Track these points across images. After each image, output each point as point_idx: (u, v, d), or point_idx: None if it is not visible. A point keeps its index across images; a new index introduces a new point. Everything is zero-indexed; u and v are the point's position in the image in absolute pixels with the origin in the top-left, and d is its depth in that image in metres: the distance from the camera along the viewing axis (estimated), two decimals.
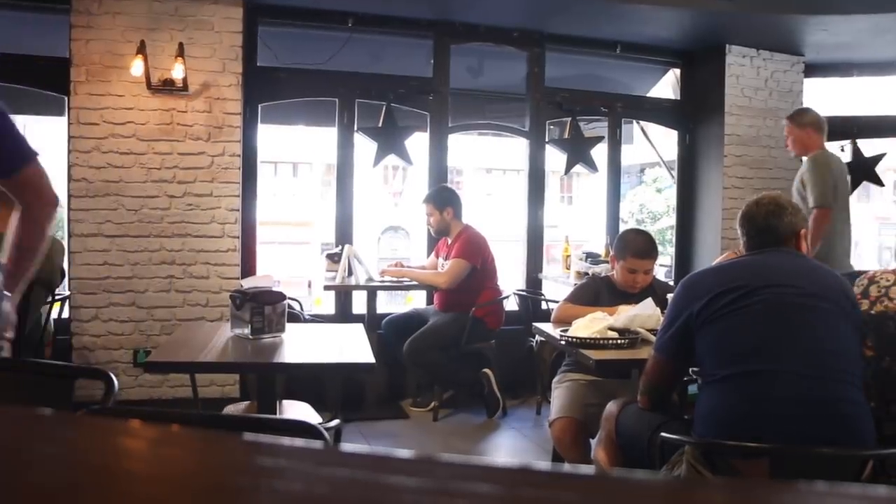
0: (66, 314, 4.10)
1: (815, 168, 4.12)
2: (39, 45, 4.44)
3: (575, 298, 3.13)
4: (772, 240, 2.15)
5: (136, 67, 4.07)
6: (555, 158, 5.41)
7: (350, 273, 4.39)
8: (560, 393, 2.95)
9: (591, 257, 4.95)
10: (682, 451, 1.96)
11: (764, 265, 2.09)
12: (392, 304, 7.95)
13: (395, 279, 4.62)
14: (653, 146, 6.29)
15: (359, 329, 2.87)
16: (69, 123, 4.16)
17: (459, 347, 4.34)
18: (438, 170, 5.08)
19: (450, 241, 4.58)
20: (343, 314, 4.87)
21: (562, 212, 17.98)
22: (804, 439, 1.83)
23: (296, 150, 19.59)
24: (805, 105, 5.52)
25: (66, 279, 4.10)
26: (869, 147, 5.74)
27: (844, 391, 1.91)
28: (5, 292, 1.99)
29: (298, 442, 0.49)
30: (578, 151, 5.31)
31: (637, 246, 3.06)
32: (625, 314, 2.71)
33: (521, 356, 4.63)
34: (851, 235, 4.33)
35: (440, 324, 4.41)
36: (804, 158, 4.25)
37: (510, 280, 5.18)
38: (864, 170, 5.68)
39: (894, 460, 1.94)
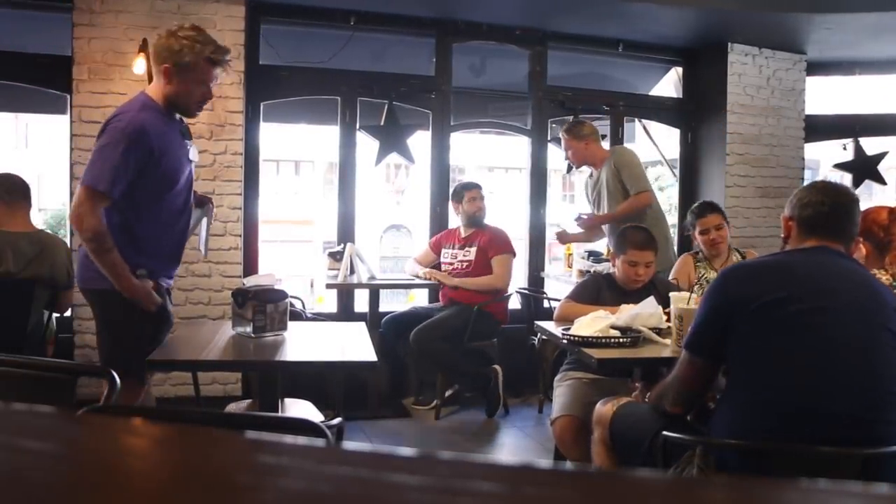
0: (68, 312, 4.10)
1: (625, 158, 4.30)
2: (42, 43, 4.44)
3: (577, 296, 3.13)
4: (840, 233, 1.92)
5: (139, 66, 4.07)
6: (557, 157, 5.40)
7: (352, 271, 4.39)
8: (562, 391, 2.95)
9: (593, 256, 4.94)
10: (689, 453, 1.91)
11: (830, 272, 1.86)
12: (393, 303, 7.94)
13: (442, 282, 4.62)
14: (655, 144, 6.27)
15: (361, 327, 2.87)
16: (71, 122, 4.16)
17: (464, 341, 4.33)
18: (440, 168, 5.08)
19: (463, 234, 4.61)
20: (345, 312, 4.87)
21: (564, 210, 17.96)
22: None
23: (298, 149, 19.63)
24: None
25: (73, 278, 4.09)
26: (871, 145, 5.73)
27: (887, 432, 1.76)
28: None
29: (301, 440, 0.49)
30: None
31: (636, 238, 3.09)
32: (627, 313, 2.71)
33: (523, 355, 4.63)
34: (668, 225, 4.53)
35: (446, 316, 4.42)
36: (597, 160, 4.37)
37: (512, 278, 5.17)
38: (866, 168, 5.68)
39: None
